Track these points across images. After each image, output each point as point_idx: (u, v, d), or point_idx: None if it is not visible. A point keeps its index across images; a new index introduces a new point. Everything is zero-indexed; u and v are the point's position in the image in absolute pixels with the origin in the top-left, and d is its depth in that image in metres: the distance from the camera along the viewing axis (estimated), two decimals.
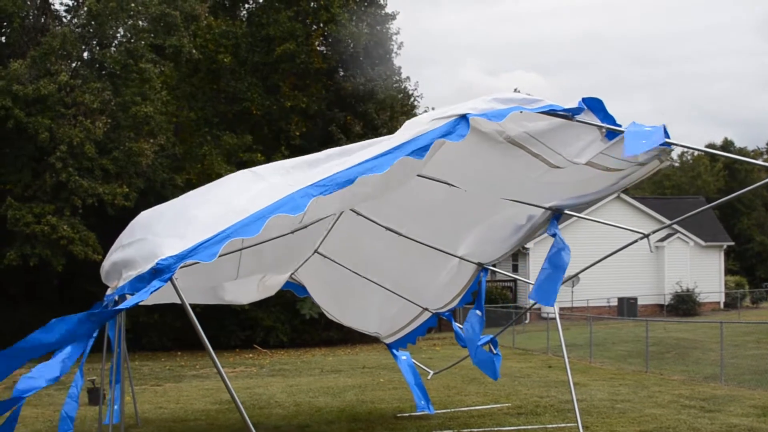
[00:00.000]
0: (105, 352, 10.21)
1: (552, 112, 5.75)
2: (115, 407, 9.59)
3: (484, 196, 8.05)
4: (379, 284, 11.11)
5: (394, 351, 13.30)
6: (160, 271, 5.53)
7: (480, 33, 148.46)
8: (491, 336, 11.38)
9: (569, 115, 5.77)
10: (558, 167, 6.52)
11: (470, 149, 6.28)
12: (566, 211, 8.35)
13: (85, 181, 26.71)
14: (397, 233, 9.55)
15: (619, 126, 5.93)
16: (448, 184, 7.68)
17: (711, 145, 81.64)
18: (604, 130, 5.95)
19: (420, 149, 5.38)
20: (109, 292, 8.87)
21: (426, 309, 11.78)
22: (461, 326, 12.18)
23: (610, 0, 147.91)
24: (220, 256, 5.45)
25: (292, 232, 7.00)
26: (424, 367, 14.53)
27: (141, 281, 5.91)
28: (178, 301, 6.09)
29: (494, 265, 10.68)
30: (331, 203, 5.80)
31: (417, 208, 8.68)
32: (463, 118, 5.45)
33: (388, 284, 11.12)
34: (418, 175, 7.22)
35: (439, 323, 12.49)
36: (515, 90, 62.00)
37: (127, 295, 6.41)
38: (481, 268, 10.33)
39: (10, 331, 31.92)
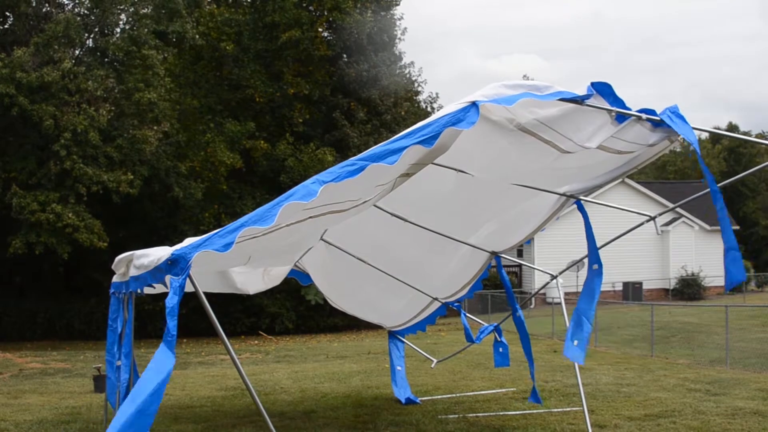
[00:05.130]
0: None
1: (562, 99, 5.72)
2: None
3: (495, 184, 7.99)
4: (387, 273, 11.04)
5: (393, 354, 13.26)
6: (176, 262, 5.49)
7: (478, 16, 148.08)
8: (495, 324, 11.36)
9: (579, 100, 5.74)
10: (569, 152, 6.48)
11: (481, 139, 6.23)
12: (574, 196, 8.30)
13: (89, 169, 26.73)
14: (404, 220, 9.49)
15: (629, 109, 5.91)
16: (456, 169, 7.63)
17: (716, 129, 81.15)
18: (613, 113, 5.92)
19: (430, 137, 5.34)
20: (116, 279, 8.89)
21: (435, 299, 11.71)
22: (468, 315, 12.17)
23: None
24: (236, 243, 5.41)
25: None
26: (427, 355, 14.55)
27: (159, 272, 5.90)
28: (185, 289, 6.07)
29: None
30: (345, 191, 5.78)
31: (427, 196, 8.61)
32: (473, 105, 5.42)
33: (395, 273, 11.05)
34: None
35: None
36: (524, 77, 61.85)
37: (154, 285, 6.50)
38: (494, 255, 10.26)
39: (17, 319, 32.17)
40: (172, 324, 5.33)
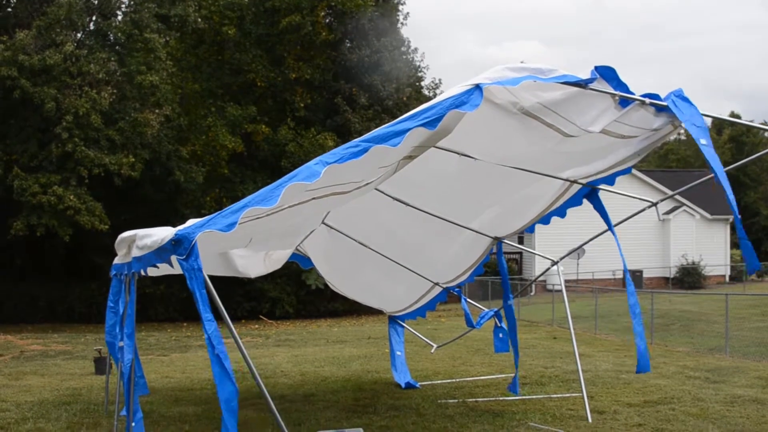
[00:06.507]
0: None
1: (566, 82, 5.70)
2: (141, 380, 9.70)
3: (498, 169, 7.97)
4: (388, 257, 11.03)
5: (393, 339, 13.27)
6: (180, 241, 5.48)
7: (479, 3, 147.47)
8: (495, 309, 11.38)
9: (582, 84, 5.72)
10: (572, 136, 6.47)
11: (484, 122, 6.22)
12: (577, 181, 8.27)
13: (91, 152, 26.73)
14: (405, 204, 9.48)
15: (633, 93, 5.89)
16: (459, 153, 7.62)
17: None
18: (617, 97, 5.91)
19: (433, 120, 5.32)
20: (117, 260, 8.90)
21: (436, 284, 11.70)
22: (469, 300, 12.18)
23: None
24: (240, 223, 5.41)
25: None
26: (427, 340, 14.57)
27: (164, 251, 5.89)
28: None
29: None
30: (348, 173, 5.78)
31: (429, 180, 8.59)
32: (477, 87, 5.41)
33: (397, 257, 11.04)
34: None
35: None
36: (521, 62, 62.18)
37: (158, 266, 6.54)
38: (497, 241, 10.25)
39: (18, 302, 32.21)
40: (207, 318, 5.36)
